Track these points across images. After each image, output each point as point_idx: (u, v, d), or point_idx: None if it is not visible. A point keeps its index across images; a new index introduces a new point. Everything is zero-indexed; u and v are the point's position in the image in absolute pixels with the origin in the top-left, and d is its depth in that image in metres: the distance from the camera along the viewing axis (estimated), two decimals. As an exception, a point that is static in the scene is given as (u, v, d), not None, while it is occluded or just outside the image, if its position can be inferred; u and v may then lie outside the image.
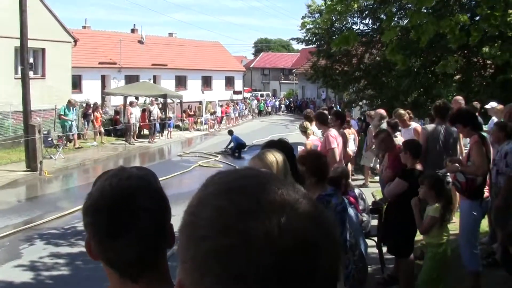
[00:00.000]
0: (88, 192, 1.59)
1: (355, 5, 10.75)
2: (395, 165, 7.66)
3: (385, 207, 8.64)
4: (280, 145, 4.22)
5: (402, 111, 11.41)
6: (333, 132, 9.31)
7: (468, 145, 7.65)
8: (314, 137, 10.25)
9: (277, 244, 0.79)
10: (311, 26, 26.01)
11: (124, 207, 1.50)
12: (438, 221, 5.95)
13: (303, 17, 28.20)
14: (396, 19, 18.06)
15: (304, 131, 10.36)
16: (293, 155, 4.26)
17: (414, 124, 11.12)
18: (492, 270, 7.41)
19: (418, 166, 6.75)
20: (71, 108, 25.09)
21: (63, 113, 24.56)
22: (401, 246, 6.78)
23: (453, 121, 7.47)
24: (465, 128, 7.08)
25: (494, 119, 10.20)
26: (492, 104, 10.77)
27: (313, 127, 10.64)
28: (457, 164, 7.07)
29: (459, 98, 10.92)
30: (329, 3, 10.97)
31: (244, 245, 0.79)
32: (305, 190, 0.93)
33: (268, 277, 0.78)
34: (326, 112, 10.98)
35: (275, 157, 3.68)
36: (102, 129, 27.15)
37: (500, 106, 10.26)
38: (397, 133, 10.57)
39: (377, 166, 11.52)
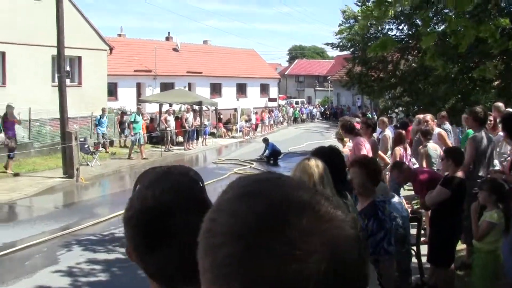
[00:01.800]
0: (130, 197, 1.51)
1: (391, 11, 10.57)
2: (423, 189, 7.50)
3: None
4: (328, 152, 4.13)
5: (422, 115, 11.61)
6: (360, 139, 9.21)
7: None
8: (351, 145, 10.13)
9: (297, 249, 0.73)
10: (347, 32, 25.99)
11: (164, 222, 1.43)
12: (494, 227, 5.77)
13: (340, 24, 28.21)
14: (432, 24, 17.84)
15: (340, 138, 10.26)
16: (342, 164, 4.18)
17: (438, 129, 11.00)
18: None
19: (460, 174, 6.58)
20: (140, 115, 24.97)
21: (133, 120, 24.36)
22: (442, 255, 6.62)
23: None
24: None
25: None
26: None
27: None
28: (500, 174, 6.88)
29: (499, 104, 10.66)
30: (365, 8, 10.80)
31: (261, 252, 0.73)
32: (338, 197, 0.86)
33: (287, 286, 0.72)
34: (354, 120, 10.88)
35: (314, 166, 3.56)
36: (145, 137, 27.03)
37: None
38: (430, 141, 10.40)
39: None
